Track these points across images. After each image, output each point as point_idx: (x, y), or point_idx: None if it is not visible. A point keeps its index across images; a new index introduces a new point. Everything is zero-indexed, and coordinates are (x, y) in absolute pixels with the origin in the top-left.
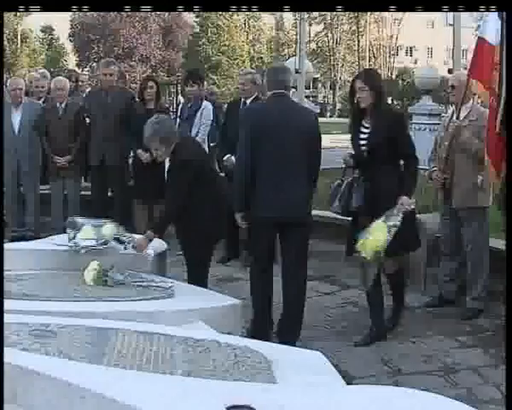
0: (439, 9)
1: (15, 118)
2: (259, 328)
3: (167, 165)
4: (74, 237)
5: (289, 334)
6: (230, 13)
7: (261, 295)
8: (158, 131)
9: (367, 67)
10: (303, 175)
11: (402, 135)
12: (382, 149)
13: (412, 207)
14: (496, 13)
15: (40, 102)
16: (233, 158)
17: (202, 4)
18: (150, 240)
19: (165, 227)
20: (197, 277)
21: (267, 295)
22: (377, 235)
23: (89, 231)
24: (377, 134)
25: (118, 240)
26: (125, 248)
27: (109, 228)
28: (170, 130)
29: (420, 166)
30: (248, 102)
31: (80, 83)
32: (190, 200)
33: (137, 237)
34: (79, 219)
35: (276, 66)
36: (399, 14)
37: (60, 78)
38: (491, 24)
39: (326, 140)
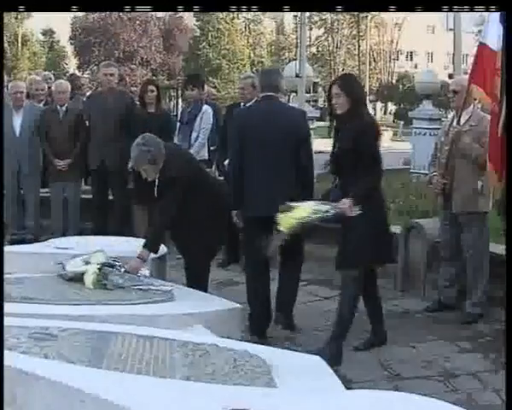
0: (438, 9)
1: (16, 121)
2: (258, 330)
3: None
4: (64, 269)
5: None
6: (231, 16)
7: (261, 297)
8: (145, 153)
9: (367, 71)
10: (290, 174)
11: (367, 146)
12: (350, 157)
13: (353, 213)
14: (498, 18)
15: (40, 104)
16: None
17: (202, 4)
18: (145, 261)
19: (158, 243)
20: (197, 281)
21: (266, 297)
22: (298, 213)
23: (77, 262)
24: (344, 142)
25: (108, 265)
26: (119, 271)
27: (98, 256)
28: (156, 150)
29: (420, 171)
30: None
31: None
32: (190, 206)
33: (130, 260)
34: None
35: (267, 68)
36: (400, 19)
37: (61, 81)
38: (492, 29)
39: (327, 144)
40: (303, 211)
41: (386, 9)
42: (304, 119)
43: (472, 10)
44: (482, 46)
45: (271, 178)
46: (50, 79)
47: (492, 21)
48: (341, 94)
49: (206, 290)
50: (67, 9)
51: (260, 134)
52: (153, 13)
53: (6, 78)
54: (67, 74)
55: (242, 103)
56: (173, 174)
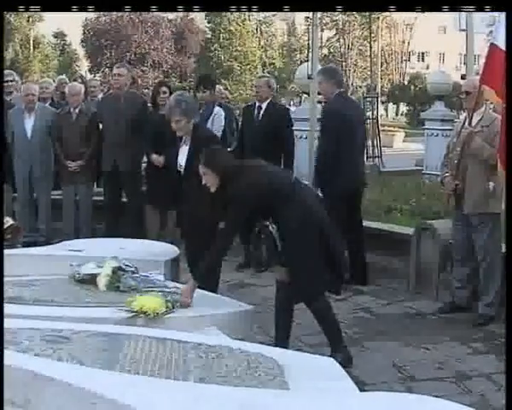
0: (439, 9)
1: (28, 123)
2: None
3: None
4: (77, 272)
5: None
6: (242, 18)
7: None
8: (179, 103)
9: (379, 72)
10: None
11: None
12: None
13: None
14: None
15: (47, 104)
16: None
17: (202, 4)
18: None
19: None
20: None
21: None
22: (152, 303)
23: (91, 266)
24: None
25: (122, 269)
26: (134, 273)
27: (111, 262)
28: (190, 104)
29: (432, 172)
30: (264, 105)
31: (93, 89)
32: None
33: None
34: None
35: (334, 67)
36: (411, 20)
37: (74, 83)
38: (502, 30)
39: None
40: (155, 301)
41: (386, 9)
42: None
43: (472, 10)
44: (493, 46)
45: (359, 158)
46: (66, 83)
47: (503, 22)
48: (208, 171)
49: (215, 292)
50: (68, 9)
51: (354, 122)
52: (164, 15)
53: (19, 80)
54: (73, 77)
55: (257, 103)
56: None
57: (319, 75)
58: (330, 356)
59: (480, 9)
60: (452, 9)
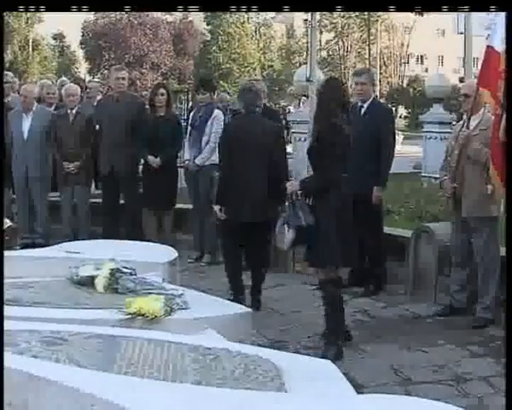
0: (438, 10)
1: (25, 124)
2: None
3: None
4: (75, 274)
5: None
6: (241, 20)
7: None
8: None
9: (378, 75)
10: None
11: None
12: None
13: None
14: (503, 20)
15: (51, 109)
16: None
17: (202, 4)
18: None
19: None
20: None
21: None
22: (150, 304)
23: (89, 268)
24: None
25: (120, 271)
26: (132, 275)
27: (109, 264)
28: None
29: (431, 175)
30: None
31: (88, 90)
32: None
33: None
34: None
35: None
36: (410, 23)
37: (71, 84)
38: (498, 31)
39: None
40: (153, 303)
41: (386, 9)
42: None
43: (472, 10)
44: (489, 48)
45: None
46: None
47: (499, 23)
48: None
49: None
50: (67, 9)
51: None
52: (163, 17)
53: (17, 81)
54: (70, 78)
55: None
56: None
57: (364, 75)
58: (324, 348)
59: (481, 9)
60: (452, 9)
